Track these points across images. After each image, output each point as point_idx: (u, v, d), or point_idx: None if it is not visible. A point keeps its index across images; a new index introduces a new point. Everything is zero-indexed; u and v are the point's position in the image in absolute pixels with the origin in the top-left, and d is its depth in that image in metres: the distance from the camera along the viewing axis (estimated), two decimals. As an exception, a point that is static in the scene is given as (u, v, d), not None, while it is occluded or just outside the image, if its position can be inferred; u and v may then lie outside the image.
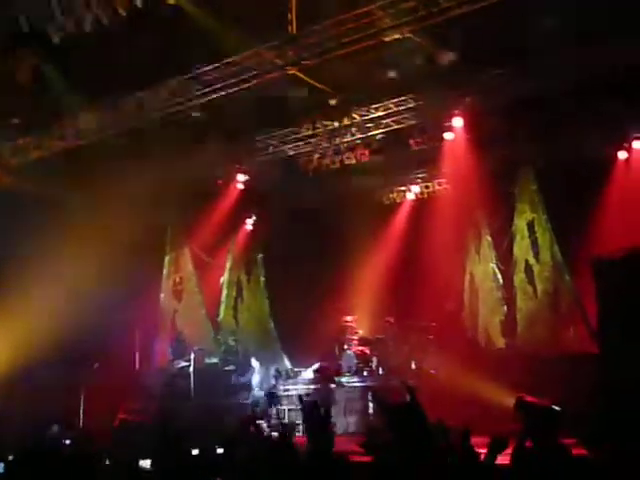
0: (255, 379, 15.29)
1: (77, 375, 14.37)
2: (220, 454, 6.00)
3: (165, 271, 17.11)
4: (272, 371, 15.64)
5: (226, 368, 15.52)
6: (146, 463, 6.28)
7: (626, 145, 13.86)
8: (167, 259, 17.14)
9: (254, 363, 15.47)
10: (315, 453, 4.28)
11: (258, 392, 15.01)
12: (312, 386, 14.65)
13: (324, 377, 14.60)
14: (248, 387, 15.13)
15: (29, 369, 13.63)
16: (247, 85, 11.73)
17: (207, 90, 12.04)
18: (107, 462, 6.29)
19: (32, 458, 5.71)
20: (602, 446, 4.56)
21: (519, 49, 11.39)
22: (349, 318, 16.14)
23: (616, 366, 10.74)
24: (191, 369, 14.57)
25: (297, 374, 15.76)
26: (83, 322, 13.90)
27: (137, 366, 16.04)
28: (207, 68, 11.65)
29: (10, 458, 6.20)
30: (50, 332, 13.83)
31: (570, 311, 13.78)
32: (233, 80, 11.66)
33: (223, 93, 11.98)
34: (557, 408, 6.74)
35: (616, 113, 12.81)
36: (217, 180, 16.21)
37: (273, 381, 15.41)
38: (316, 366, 15.14)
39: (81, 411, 13.38)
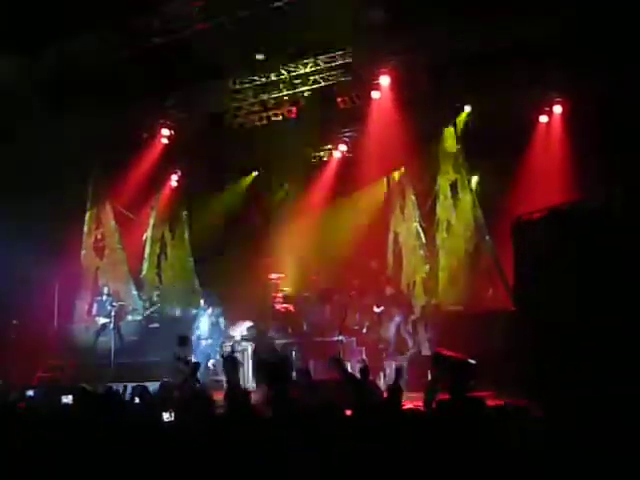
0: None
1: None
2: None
3: (86, 227, 16.66)
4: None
5: (150, 325, 15.37)
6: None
7: (547, 109, 14.18)
8: (88, 215, 16.67)
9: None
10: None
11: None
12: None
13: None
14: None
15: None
16: (173, 36, 11.44)
17: (131, 41, 11.68)
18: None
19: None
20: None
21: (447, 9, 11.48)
22: (274, 276, 16.15)
23: (529, 323, 11.11)
24: (112, 326, 14.33)
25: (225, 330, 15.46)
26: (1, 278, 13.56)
27: (56, 323, 15.73)
28: (132, 19, 11.30)
29: None
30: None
31: (489, 270, 14.11)
32: (159, 31, 11.35)
33: (148, 45, 11.66)
34: (472, 362, 6.95)
35: (538, 77, 13.08)
36: (141, 134, 15.78)
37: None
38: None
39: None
